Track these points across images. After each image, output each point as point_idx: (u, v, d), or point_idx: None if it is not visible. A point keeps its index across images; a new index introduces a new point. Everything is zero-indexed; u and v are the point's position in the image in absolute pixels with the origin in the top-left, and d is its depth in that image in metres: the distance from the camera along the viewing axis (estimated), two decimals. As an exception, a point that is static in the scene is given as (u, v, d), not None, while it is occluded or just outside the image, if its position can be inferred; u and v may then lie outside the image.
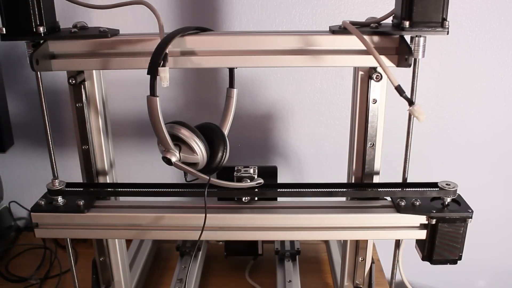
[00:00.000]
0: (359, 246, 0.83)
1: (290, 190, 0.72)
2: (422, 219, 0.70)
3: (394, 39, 0.64)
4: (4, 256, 1.07)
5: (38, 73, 0.66)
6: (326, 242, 1.12)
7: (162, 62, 0.60)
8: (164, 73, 0.60)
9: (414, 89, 0.66)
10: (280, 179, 0.83)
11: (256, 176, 0.73)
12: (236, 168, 0.75)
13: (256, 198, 0.74)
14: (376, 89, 0.70)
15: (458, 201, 0.71)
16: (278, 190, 0.73)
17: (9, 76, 1.03)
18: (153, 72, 0.60)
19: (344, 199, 0.78)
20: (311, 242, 1.12)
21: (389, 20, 0.67)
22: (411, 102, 0.59)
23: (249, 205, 0.74)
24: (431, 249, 0.71)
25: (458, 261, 0.71)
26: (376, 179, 0.76)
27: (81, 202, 0.73)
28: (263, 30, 1.00)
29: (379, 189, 0.71)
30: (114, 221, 0.73)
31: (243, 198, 0.74)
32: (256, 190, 0.72)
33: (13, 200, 1.15)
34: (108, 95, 0.79)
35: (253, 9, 0.98)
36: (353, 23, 0.65)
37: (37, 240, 1.09)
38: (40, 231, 0.73)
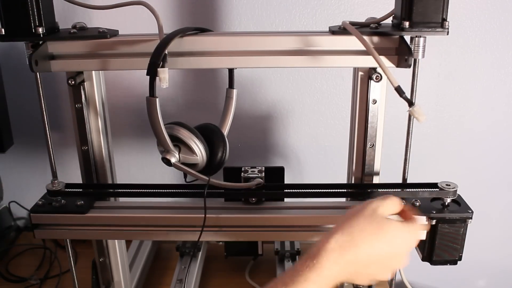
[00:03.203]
0: (359, 247, 0.83)
1: (292, 190, 0.72)
2: (422, 219, 0.70)
3: (394, 40, 0.64)
4: (4, 256, 1.07)
5: (38, 74, 0.66)
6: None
7: (161, 62, 0.60)
8: (164, 74, 0.60)
9: (414, 89, 0.66)
10: (280, 180, 0.83)
11: (263, 177, 0.73)
12: (243, 169, 0.75)
13: (263, 199, 0.74)
14: (376, 90, 0.70)
15: (458, 202, 0.71)
16: (279, 191, 0.74)
17: (9, 76, 1.03)
18: (152, 72, 0.60)
19: (344, 199, 0.78)
20: (311, 242, 1.12)
21: (389, 21, 0.67)
22: (411, 103, 0.59)
23: (248, 205, 0.74)
24: (431, 249, 0.71)
25: (458, 261, 0.71)
26: (376, 180, 0.76)
27: (81, 203, 0.73)
28: (263, 30, 1.00)
29: (379, 190, 0.71)
30: (114, 221, 0.73)
31: (250, 199, 0.74)
32: (255, 191, 0.72)
33: (13, 200, 1.15)
34: (108, 95, 0.79)
35: (253, 9, 0.98)
36: (353, 24, 0.65)
37: (37, 240, 1.09)
38: (40, 232, 0.73)
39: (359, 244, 0.52)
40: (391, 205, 0.57)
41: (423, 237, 0.71)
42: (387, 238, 0.53)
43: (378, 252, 0.53)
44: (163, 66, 0.61)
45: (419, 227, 0.61)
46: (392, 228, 0.54)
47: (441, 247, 0.70)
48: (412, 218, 0.59)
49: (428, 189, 0.70)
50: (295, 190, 0.72)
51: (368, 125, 0.72)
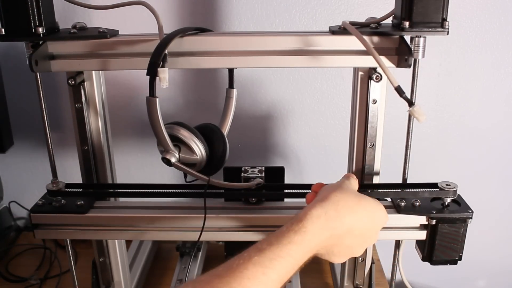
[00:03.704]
0: (359, 247, 0.83)
1: (292, 191, 0.72)
2: (422, 219, 0.70)
3: (394, 40, 0.64)
4: (4, 256, 1.07)
5: (38, 74, 0.66)
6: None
7: (161, 62, 0.60)
8: (164, 74, 0.60)
9: (414, 89, 0.66)
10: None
11: (263, 177, 0.73)
12: (243, 169, 0.75)
13: (263, 199, 0.75)
14: (376, 90, 0.70)
15: (458, 202, 0.71)
16: (279, 191, 0.74)
17: (9, 76, 1.03)
18: (152, 72, 0.60)
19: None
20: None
21: (389, 20, 0.67)
22: (411, 103, 0.59)
23: (248, 205, 0.74)
24: (431, 249, 0.71)
25: (458, 261, 0.71)
26: (376, 180, 0.76)
27: (81, 203, 0.73)
28: (263, 30, 1.00)
29: (379, 190, 0.71)
30: (114, 221, 0.73)
31: (250, 199, 0.74)
32: (255, 191, 0.72)
33: (13, 200, 1.15)
34: (108, 95, 0.79)
35: (253, 9, 0.98)
36: (353, 24, 0.65)
37: (37, 240, 1.09)
38: (40, 232, 0.73)
39: (343, 214, 0.54)
40: (355, 183, 0.63)
41: (422, 237, 0.71)
42: (367, 211, 0.57)
43: (359, 224, 0.55)
44: (163, 66, 0.61)
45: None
46: (370, 203, 0.58)
47: (441, 247, 0.70)
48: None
49: (428, 189, 0.70)
50: (295, 190, 0.72)
51: (368, 125, 0.72)
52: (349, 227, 0.54)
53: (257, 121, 1.08)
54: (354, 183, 0.62)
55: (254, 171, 0.75)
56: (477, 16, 0.98)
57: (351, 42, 0.63)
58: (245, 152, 1.10)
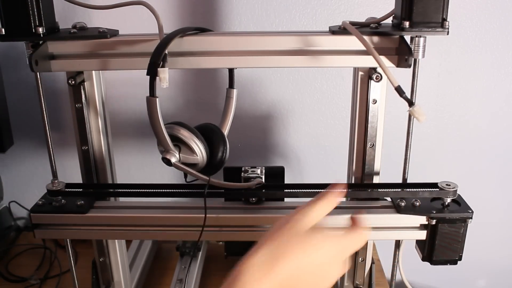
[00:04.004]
0: (359, 247, 0.83)
1: (292, 190, 0.72)
2: (422, 219, 0.70)
3: (394, 40, 0.64)
4: (4, 256, 1.07)
5: (38, 74, 0.66)
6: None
7: (161, 62, 0.60)
8: (164, 74, 0.60)
9: (414, 89, 0.66)
10: (280, 180, 0.83)
11: (263, 177, 0.73)
12: (243, 169, 0.75)
13: (263, 199, 0.74)
14: (376, 90, 0.70)
15: (458, 202, 0.71)
16: (279, 191, 0.74)
17: (9, 76, 1.03)
18: (152, 72, 0.60)
19: (344, 199, 0.78)
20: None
21: (389, 20, 0.67)
22: (411, 103, 0.59)
23: (248, 205, 0.74)
24: (431, 249, 0.71)
25: (458, 261, 0.71)
26: (376, 179, 0.76)
27: (81, 203, 0.73)
28: (263, 30, 1.00)
29: (379, 190, 0.71)
30: (114, 221, 0.73)
31: (250, 199, 0.74)
32: (255, 191, 0.72)
33: (13, 200, 1.15)
34: (108, 95, 0.79)
35: (253, 9, 0.98)
36: (353, 23, 0.65)
37: (37, 240, 1.09)
38: (40, 231, 0.73)
39: (286, 256, 0.47)
40: (319, 209, 0.52)
41: (422, 237, 0.71)
42: (313, 247, 0.49)
43: (306, 263, 0.48)
44: (163, 66, 0.61)
45: (357, 234, 0.52)
46: (316, 238, 0.49)
47: (441, 247, 0.70)
48: (355, 223, 0.54)
49: (428, 189, 0.70)
50: (295, 190, 0.72)
51: (368, 125, 0.72)
52: (295, 269, 0.47)
53: (257, 121, 1.08)
54: (314, 215, 0.51)
55: (254, 171, 0.75)
56: (477, 16, 0.98)
57: (351, 42, 0.63)
58: (245, 152, 1.10)
